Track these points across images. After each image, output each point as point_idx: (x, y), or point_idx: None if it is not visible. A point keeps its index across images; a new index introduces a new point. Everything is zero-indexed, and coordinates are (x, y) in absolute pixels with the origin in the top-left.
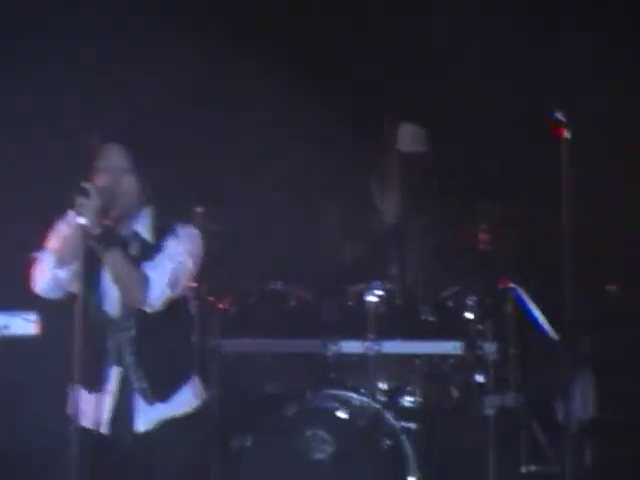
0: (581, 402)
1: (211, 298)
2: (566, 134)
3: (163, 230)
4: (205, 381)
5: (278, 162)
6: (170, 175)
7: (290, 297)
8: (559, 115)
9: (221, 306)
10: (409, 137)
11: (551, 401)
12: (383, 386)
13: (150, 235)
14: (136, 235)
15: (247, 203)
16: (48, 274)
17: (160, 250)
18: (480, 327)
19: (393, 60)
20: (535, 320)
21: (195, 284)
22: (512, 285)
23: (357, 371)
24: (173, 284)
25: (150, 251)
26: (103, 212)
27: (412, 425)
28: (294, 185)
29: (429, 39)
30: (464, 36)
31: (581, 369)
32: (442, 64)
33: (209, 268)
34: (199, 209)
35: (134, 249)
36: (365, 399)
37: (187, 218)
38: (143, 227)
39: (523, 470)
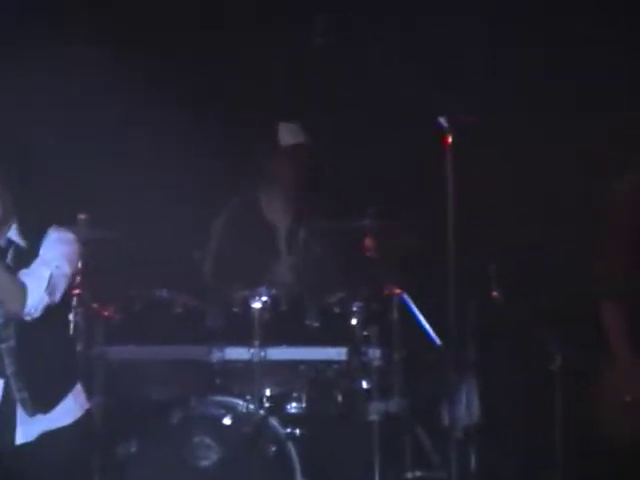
0: (466, 407)
1: (95, 305)
2: (450, 140)
3: (37, 236)
4: (89, 389)
5: (165, 168)
6: (45, 183)
7: (175, 304)
8: (443, 121)
9: (106, 313)
10: (288, 132)
11: (436, 406)
12: (268, 392)
13: (25, 242)
14: (11, 243)
15: (132, 210)
16: None
17: (35, 257)
18: (365, 333)
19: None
20: (420, 326)
21: (79, 291)
22: (398, 291)
23: (242, 378)
24: (51, 290)
25: (26, 258)
26: None
27: (297, 431)
28: (182, 192)
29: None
30: (349, 37)
31: (466, 374)
32: (323, 68)
33: (93, 275)
34: (82, 216)
35: (10, 257)
36: (250, 406)
37: (64, 225)
38: (17, 235)
39: (408, 476)
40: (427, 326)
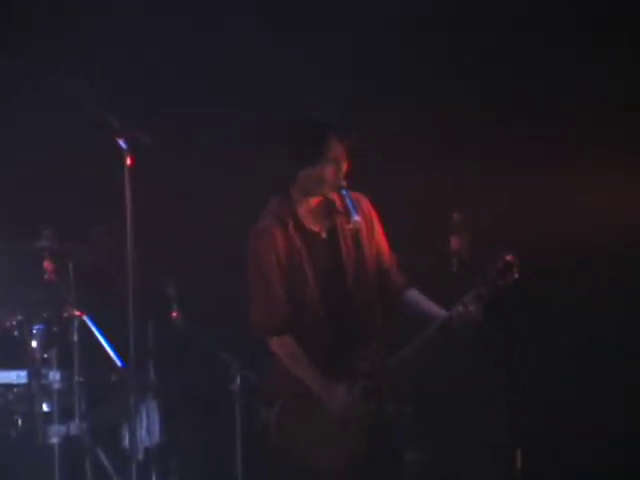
0: (147, 428)
1: None
2: (129, 162)
3: None
4: None
5: None
6: None
7: None
8: (122, 143)
9: None
10: None
11: (117, 428)
12: None
13: None
14: None
15: None
16: None
17: None
18: (45, 356)
19: None
20: (102, 348)
21: None
22: (78, 313)
23: None
24: None
25: None
26: None
27: None
28: None
29: None
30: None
31: (146, 396)
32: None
33: None
34: None
35: None
36: None
37: None
38: None
39: None
40: (109, 348)
